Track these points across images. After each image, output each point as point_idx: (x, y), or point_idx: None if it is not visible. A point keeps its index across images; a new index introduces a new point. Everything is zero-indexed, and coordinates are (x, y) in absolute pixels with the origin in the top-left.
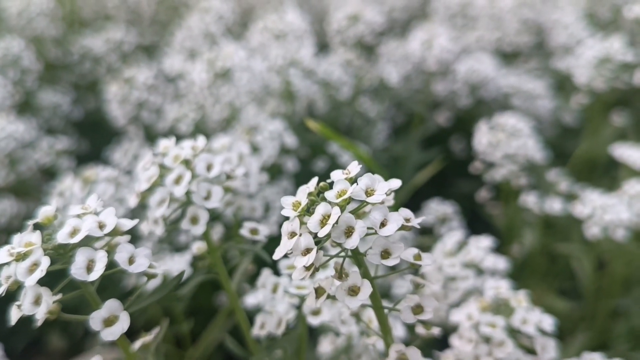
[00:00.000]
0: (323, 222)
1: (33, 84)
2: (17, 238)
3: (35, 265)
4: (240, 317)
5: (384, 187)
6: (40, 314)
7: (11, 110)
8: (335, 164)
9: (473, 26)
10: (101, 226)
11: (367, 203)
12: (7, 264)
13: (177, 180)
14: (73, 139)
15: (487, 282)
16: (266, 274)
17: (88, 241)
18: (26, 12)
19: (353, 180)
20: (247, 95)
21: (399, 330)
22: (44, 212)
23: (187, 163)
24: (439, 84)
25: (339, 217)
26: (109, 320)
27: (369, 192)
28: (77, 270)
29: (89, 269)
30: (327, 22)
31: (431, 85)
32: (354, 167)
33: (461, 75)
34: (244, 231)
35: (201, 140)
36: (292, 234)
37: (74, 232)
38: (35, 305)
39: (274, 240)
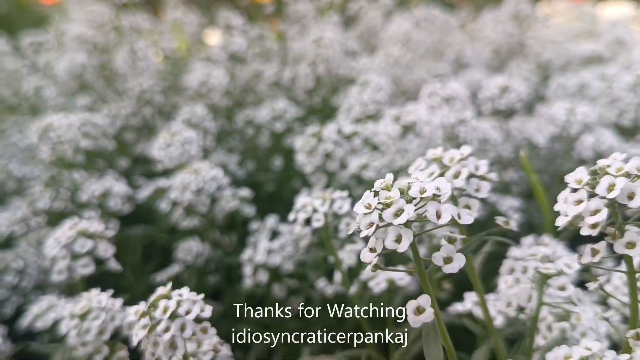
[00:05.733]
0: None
1: (211, 144)
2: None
3: (401, 210)
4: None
5: None
6: (403, 248)
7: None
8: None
9: (591, 104)
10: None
11: None
12: (367, 214)
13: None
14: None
15: None
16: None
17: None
18: (206, 84)
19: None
20: (429, 145)
21: None
22: (385, 181)
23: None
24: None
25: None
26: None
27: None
28: (430, 216)
29: (438, 216)
30: (480, 91)
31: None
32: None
33: (588, 145)
34: (499, 221)
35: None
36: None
37: (423, 191)
38: (396, 243)
39: None
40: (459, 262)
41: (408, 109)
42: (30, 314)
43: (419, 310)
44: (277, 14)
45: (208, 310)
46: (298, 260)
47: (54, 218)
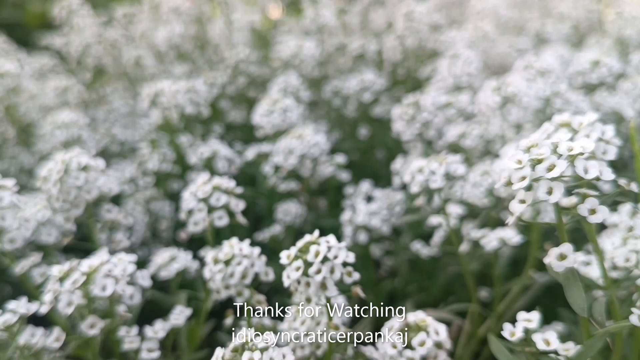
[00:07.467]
0: None
1: (305, 112)
2: (515, 153)
3: (553, 165)
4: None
5: None
6: (554, 199)
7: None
8: None
9: None
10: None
11: None
12: (518, 169)
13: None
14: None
15: None
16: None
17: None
18: (298, 55)
19: None
20: (529, 115)
21: None
22: (532, 140)
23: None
24: None
25: None
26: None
27: None
28: (579, 171)
29: (585, 172)
30: (570, 65)
31: None
32: None
33: None
34: (622, 183)
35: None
36: None
37: (570, 149)
38: (547, 195)
39: None
40: (603, 214)
41: (508, 81)
42: (154, 264)
43: (562, 257)
44: None
45: (351, 256)
46: (393, 223)
47: (160, 179)
